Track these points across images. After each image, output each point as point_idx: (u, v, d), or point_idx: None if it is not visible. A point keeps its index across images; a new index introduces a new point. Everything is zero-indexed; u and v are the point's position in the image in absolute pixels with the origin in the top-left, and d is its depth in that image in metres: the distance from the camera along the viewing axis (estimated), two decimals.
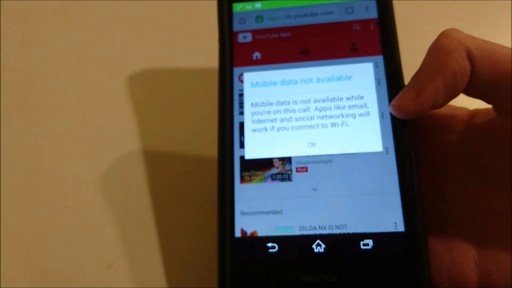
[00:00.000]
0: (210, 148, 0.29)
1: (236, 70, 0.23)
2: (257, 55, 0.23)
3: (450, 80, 0.19)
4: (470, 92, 0.20)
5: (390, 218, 0.20)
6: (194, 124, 0.30)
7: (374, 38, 0.22)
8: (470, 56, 0.19)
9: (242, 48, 0.23)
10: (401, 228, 0.19)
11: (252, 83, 0.23)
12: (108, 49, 0.33)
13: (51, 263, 0.26)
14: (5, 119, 0.31)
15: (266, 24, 0.24)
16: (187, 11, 0.34)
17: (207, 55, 0.31)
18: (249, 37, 0.23)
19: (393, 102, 0.20)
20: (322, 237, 0.20)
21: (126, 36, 0.34)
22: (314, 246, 0.20)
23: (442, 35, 0.19)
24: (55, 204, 0.28)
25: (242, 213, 0.21)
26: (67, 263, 0.26)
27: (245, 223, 0.21)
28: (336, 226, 0.20)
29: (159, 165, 0.29)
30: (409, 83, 0.20)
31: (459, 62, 0.18)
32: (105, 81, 0.32)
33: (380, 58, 0.22)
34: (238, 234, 0.20)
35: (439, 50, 0.19)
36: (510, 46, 0.31)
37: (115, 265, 0.26)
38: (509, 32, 0.31)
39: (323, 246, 0.20)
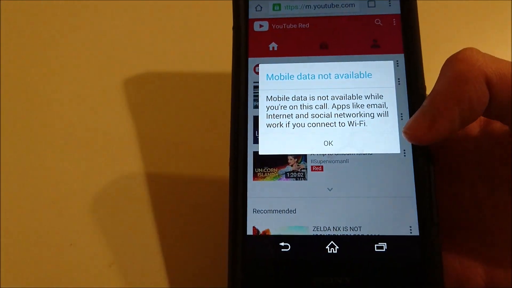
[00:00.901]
0: (214, 148, 0.28)
1: (251, 61, 0.22)
2: (273, 45, 0.22)
3: (467, 110, 0.18)
4: (486, 114, 0.19)
5: (405, 222, 0.20)
6: (198, 124, 0.29)
7: (396, 35, 0.22)
8: (488, 83, 0.18)
9: (258, 37, 0.22)
10: (416, 232, 0.19)
11: (268, 75, 0.22)
12: (110, 50, 0.32)
13: (51, 263, 0.26)
14: (5, 119, 0.30)
15: (283, 13, 0.22)
16: (190, 10, 0.33)
17: (208, 57, 0.31)
18: (265, 26, 0.22)
19: (406, 128, 0.19)
20: (336, 238, 0.20)
21: (128, 37, 0.32)
22: (327, 247, 0.20)
23: (459, 59, 0.18)
24: (55, 204, 0.27)
25: (255, 210, 0.20)
26: (67, 263, 0.26)
27: (258, 221, 0.20)
28: (350, 227, 0.20)
29: (161, 165, 0.28)
30: (424, 108, 0.19)
31: (478, 91, 0.18)
32: (107, 82, 0.31)
33: (401, 57, 0.21)
34: (250, 232, 0.20)
35: (457, 77, 0.18)
36: (510, 46, 0.31)
37: (115, 265, 0.26)
38: (509, 32, 0.31)
39: (336, 247, 0.20)
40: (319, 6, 0.22)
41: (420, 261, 0.19)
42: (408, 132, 0.19)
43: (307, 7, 0.22)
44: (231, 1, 0.23)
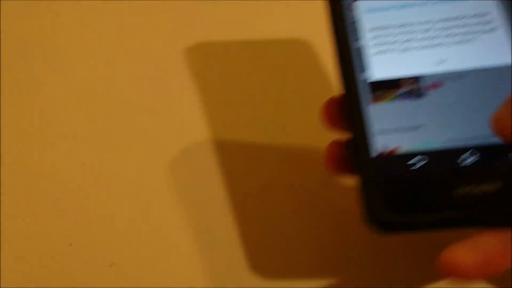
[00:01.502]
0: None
1: (346, 1, 0.22)
2: None
3: None
4: None
5: None
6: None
7: None
8: None
9: None
10: None
11: (365, 10, 0.22)
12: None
13: (51, 263, 0.25)
14: (5, 119, 0.30)
15: None
16: None
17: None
18: None
19: (500, 128, 0.17)
20: (473, 147, 0.18)
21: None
22: (466, 156, 0.18)
23: None
24: (55, 203, 0.27)
25: (379, 131, 0.19)
26: (67, 263, 0.25)
27: (384, 140, 0.19)
28: (484, 136, 0.19)
29: (164, 158, 0.28)
30: None
31: None
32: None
33: None
34: (377, 152, 0.19)
35: None
36: None
37: (115, 265, 0.25)
38: None
39: (476, 155, 0.18)
40: None
41: None
42: (503, 134, 0.17)
43: None
44: None
